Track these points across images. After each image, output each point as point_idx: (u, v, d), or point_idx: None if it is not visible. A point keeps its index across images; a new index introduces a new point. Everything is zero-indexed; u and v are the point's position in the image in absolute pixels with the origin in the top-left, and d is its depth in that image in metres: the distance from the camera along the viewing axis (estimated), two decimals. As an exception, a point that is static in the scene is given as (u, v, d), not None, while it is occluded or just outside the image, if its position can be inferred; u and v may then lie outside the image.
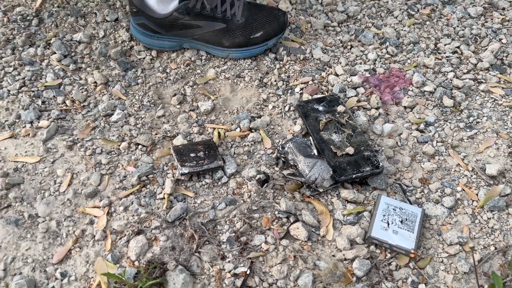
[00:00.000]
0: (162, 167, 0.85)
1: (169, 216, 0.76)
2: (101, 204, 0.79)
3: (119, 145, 0.88)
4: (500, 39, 1.15)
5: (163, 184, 0.82)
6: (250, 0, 1.07)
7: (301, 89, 1.01)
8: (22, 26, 1.12)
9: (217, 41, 1.02)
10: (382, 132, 0.93)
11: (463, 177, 0.86)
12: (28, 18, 1.14)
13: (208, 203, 0.80)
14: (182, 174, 0.81)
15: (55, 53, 1.05)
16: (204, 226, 0.75)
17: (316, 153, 0.85)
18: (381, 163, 0.83)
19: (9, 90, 0.98)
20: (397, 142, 0.92)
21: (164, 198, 0.80)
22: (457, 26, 1.18)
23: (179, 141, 0.89)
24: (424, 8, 1.22)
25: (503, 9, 1.23)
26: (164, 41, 1.04)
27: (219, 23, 1.00)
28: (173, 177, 0.83)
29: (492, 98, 1.01)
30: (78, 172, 0.85)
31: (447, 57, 1.10)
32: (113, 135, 0.91)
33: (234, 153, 0.89)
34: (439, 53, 1.11)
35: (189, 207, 0.79)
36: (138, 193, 0.81)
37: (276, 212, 0.78)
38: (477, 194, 0.84)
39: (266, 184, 0.82)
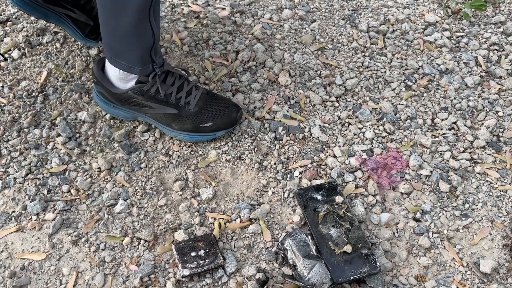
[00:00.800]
0: (163, 265, 0.88)
1: (171, 326, 0.78)
2: (105, 309, 0.82)
3: (122, 241, 0.91)
4: (497, 112, 1.17)
5: (165, 286, 0.85)
6: (209, 91, 1.10)
7: (300, 173, 1.03)
8: (28, 103, 1.14)
9: (167, 123, 1.05)
10: (379, 222, 0.95)
11: (457, 274, 0.89)
12: (33, 94, 1.16)
13: (209, 308, 0.83)
14: (183, 277, 0.84)
15: (60, 135, 1.08)
16: (205, 335, 0.78)
17: (314, 251, 0.87)
18: (378, 263, 0.85)
19: (15, 178, 1.00)
20: (394, 233, 0.94)
21: (166, 302, 0.82)
22: (454, 98, 1.20)
23: (180, 236, 0.91)
24: (421, 78, 1.24)
25: (500, 77, 1.25)
26: (120, 111, 1.07)
27: (171, 108, 1.03)
28: (174, 277, 0.85)
29: (487, 181, 1.03)
30: (82, 271, 0.87)
31: (443, 133, 1.12)
32: (117, 228, 0.93)
33: (234, 246, 0.92)
34: (436, 129, 1.13)
35: (191, 313, 0.82)
36: (141, 296, 0.84)
37: (275, 318, 0.81)
38: (471, 294, 0.86)
39: (266, 286, 0.84)
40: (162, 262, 0.88)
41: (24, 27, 1.31)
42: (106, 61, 1.01)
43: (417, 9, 1.42)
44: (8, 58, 1.24)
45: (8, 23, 1.32)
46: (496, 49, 1.32)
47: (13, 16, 1.33)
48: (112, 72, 1.00)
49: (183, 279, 0.85)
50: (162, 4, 1.38)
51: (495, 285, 0.86)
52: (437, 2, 1.44)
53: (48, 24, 1.31)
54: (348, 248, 0.87)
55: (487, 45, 1.33)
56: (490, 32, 1.36)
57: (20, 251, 0.90)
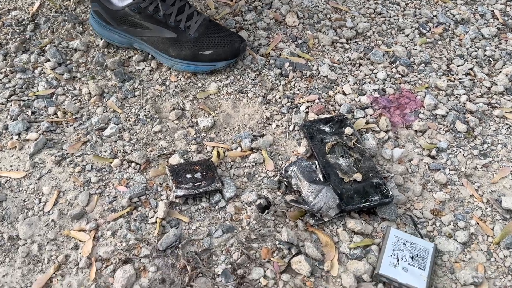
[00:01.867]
0: (155, 188, 0.80)
1: (161, 244, 0.70)
2: (87, 227, 0.73)
3: (111, 162, 0.83)
4: (515, 62, 1.11)
5: (156, 207, 0.76)
6: (212, 19, 1.02)
7: (307, 107, 0.96)
8: (17, 31, 1.07)
9: (164, 49, 0.97)
10: (391, 157, 0.88)
11: (477, 210, 0.81)
12: (23, 22, 1.09)
13: (204, 230, 0.74)
14: (177, 197, 0.76)
15: (49, 60, 1.00)
16: (198, 256, 0.70)
17: (321, 179, 0.79)
18: (390, 192, 0.78)
19: (-3, 99, 0.92)
20: (407, 169, 0.87)
21: (156, 222, 0.74)
22: (470, 47, 1.13)
23: (175, 160, 0.83)
24: (436, 27, 1.17)
25: (518, 30, 1.19)
26: (115, 34, 1.00)
27: (169, 31, 0.95)
28: (167, 199, 0.77)
29: (507, 124, 0.96)
30: (65, 190, 0.79)
31: (460, 79, 1.05)
32: (105, 151, 0.85)
33: (234, 174, 0.84)
34: (451, 74, 1.06)
35: (183, 234, 0.73)
36: (128, 216, 0.75)
37: (277, 243, 0.72)
38: (492, 229, 0.78)
39: (267, 211, 0.76)
40: (154, 185, 0.80)
41: (18, -39, 1.24)
42: None
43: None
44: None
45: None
46: (513, 5, 1.26)
47: None
48: None
49: (177, 200, 0.77)
50: None
51: (519, 221, 0.78)
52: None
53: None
54: (358, 176, 0.79)
55: (504, 1, 1.27)
56: (507, -11, 1.30)
57: (-3, 169, 0.82)
